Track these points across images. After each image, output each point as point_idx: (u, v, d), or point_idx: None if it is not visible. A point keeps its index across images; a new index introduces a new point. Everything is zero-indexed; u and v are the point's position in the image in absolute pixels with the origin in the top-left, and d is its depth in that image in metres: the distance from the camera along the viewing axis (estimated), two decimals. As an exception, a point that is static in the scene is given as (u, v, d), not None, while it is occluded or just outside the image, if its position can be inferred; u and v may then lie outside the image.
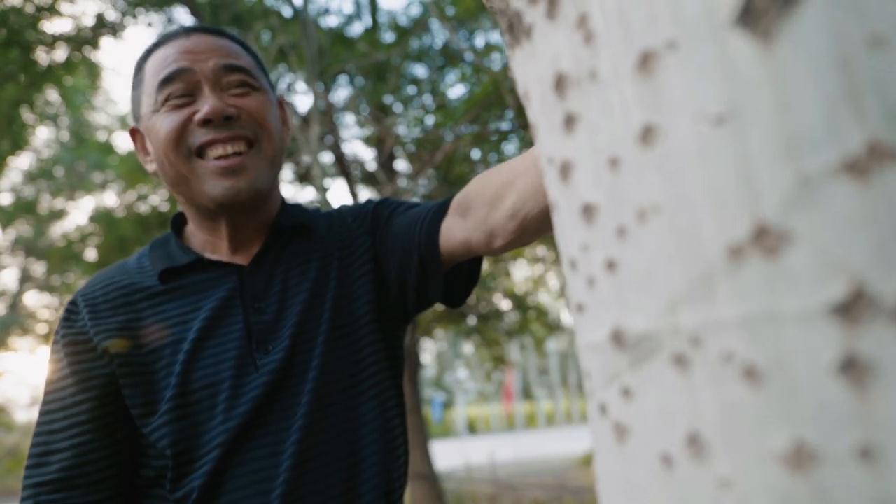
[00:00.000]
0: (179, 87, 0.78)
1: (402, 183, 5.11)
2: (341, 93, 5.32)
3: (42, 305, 10.80)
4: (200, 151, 0.78)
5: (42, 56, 4.28)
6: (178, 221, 0.89)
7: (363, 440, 0.78)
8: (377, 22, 5.42)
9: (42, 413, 0.79)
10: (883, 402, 0.18)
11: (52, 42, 4.21)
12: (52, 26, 4.26)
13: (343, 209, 0.93)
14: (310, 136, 3.77)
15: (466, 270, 0.85)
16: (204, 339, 0.77)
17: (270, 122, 0.82)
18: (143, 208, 6.76)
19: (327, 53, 4.42)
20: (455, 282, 0.84)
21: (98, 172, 9.32)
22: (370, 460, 0.78)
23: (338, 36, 5.14)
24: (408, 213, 0.85)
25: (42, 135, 9.37)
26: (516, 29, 0.30)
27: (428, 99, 5.18)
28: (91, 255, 7.50)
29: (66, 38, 4.25)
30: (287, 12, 4.84)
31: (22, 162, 9.39)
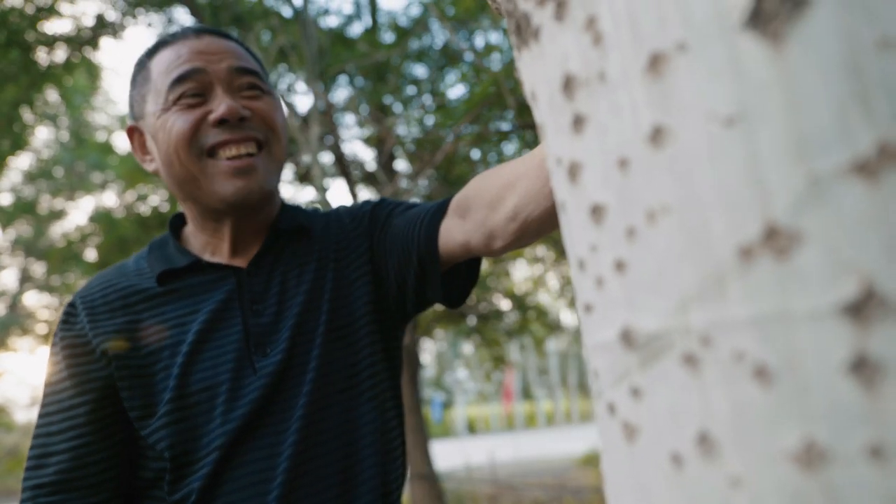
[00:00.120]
0: (192, 87, 0.78)
1: (402, 183, 5.10)
2: (341, 93, 5.32)
3: (42, 306, 10.79)
4: (212, 151, 0.78)
5: (42, 56, 4.27)
6: (177, 223, 0.89)
7: (360, 441, 0.78)
8: (377, 22, 5.41)
9: (41, 415, 0.79)
10: (893, 401, 0.18)
11: (52, 42, 4.20)
12: (52, 27, 4.26)
13: (340, 210, 0.93)
14: (310, 136, 3.77)
15: (465, 271, 0.85)
16: (202, 341, 0.77)
17: (279, 125, 0.83)
18: (143, 209, 6.76)
19: (327, 53, 4.41)
20: (454, 282, 0.84)
21: (98, 173, 9.31)
22: (367, 461, 0.78)
23: (338, 36, 5.13)
24: (406, 214, 0.85)
25: (42, 135, 9.36)
26: (524, 30, 0.30)
27: (428, 99, 5.17)
28: (91, 255, 7.48)
29: (66, 39, 4.24)
30: (287, 13, 4.84)
31: (22, 162, 9.38)
